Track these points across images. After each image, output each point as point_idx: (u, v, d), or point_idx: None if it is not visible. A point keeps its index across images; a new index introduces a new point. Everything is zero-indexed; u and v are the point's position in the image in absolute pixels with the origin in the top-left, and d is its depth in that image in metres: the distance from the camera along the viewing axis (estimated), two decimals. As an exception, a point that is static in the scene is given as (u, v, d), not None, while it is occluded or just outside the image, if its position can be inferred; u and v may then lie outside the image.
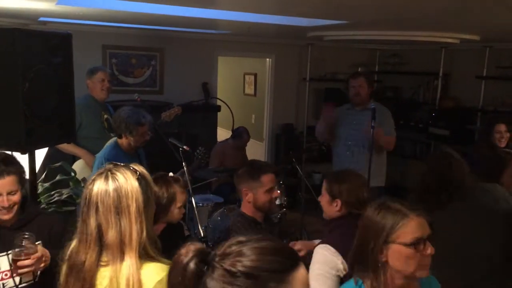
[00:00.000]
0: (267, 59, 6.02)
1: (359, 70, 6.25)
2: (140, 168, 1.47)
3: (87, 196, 1.40)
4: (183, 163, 3.12)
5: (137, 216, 1.38)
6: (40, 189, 2.53)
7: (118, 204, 1.37)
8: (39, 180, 2.58)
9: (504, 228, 2.12)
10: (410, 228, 1.37)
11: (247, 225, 2.28)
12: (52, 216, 2.10)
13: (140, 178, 1.43)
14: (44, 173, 2.74)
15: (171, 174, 2.25)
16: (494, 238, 2.09)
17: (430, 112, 5.49)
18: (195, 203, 3.22)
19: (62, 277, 1.42)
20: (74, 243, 1.42)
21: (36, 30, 2.23)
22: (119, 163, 1.47)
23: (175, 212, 2.17)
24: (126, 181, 1.39)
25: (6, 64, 1.94)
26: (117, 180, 1.39)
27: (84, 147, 3.45)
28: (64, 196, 2.49)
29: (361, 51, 6.30)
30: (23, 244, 1.71)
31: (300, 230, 4.32)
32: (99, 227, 1.37)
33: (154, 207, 1.51)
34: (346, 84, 3.82)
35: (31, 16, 3.98)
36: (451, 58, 5.46)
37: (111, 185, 1.38)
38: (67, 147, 3.39)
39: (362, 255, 1.43)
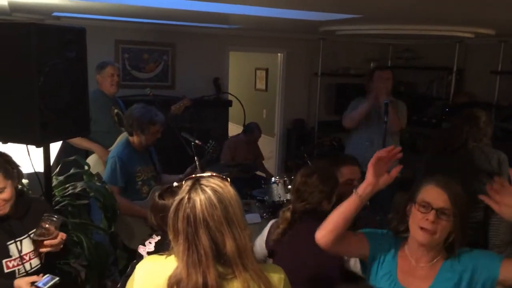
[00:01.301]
0: (279, 54, 6.00)
1: (371, 65, 6.22)
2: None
3: (190, 216, 1.29)
4: (195, 158, 3.14)
5: (242, 222, 1.34)
6: (54, 182, 2.56)
7: (227, 214, 1.30)
8: (54, 173, 2.61)
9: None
10: (425, 192, 1.56)
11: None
12: (42, 202, 2.16)
13: (232, 184, 1.38)
14: (58, 167, 2.77)
15: (175, 184, 2.23)
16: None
17: (443, 108, 5.43)
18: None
19: None
20: (177, 269, 1.32)
21: (51, 25, 2.26)
22: (207, 174, 1.39)
23: None
24: (223, 189, 1.33)
25: (22, 58, 1.96)
26: (215, 190, 1.31)
27: (94, 141, 3.48)
28: (78, 190, 2.52)
29: (373, 46, 6.24)
30: (46, 226, 1.87)
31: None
32: (215, 243, 1.29)
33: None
34: (369, 77, 3.80)
35: (45, 11, 4.01)
36: (465, 53, 5.39)
37: (213, 197, 1.30)
38: (80, 142, 3.43)
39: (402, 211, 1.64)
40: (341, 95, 5.99)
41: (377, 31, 4.16)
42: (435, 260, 1.60)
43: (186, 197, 1.31)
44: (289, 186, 4.14)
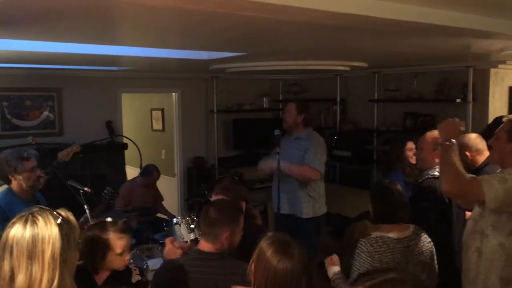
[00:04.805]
0: (173, 94, 6.01)
1: (264, 100, 6.51)
2: (65, 213, 1.41)
3: (4, 239, 1.36)
4: (85, 206, 2.96)
5: (51, 263, 1.31)
6: None
7: (33, 248, 1.31)
8: None
9: None
10: None
11: None
12: None
13: (62, 223, 1.37)
14: None
15: (108, 219, 2.14)
16: None
17: (332, 136, 5.82)
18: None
19: None
20: None
21: None
22: (44, 207, 1.42)
23: (115, 259, 2.06)
24: (46, 225, 1.34)
25: None
26: (36, 224, 1.34)
27: None
28: None
29: (264, 82, 6.54)
30: None
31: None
32: (12, 271, 1.31)
33: (76, 254, 1.45)
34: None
35: None
36: (346, 85, 5.89)
37: (28, 229, 1.34)
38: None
39: None
40: (238, 130, 6.15)
41: (262, 67, 4.38)
42: None
43: (12, 221, 1.37)
44: (192, 226, 4.06)
